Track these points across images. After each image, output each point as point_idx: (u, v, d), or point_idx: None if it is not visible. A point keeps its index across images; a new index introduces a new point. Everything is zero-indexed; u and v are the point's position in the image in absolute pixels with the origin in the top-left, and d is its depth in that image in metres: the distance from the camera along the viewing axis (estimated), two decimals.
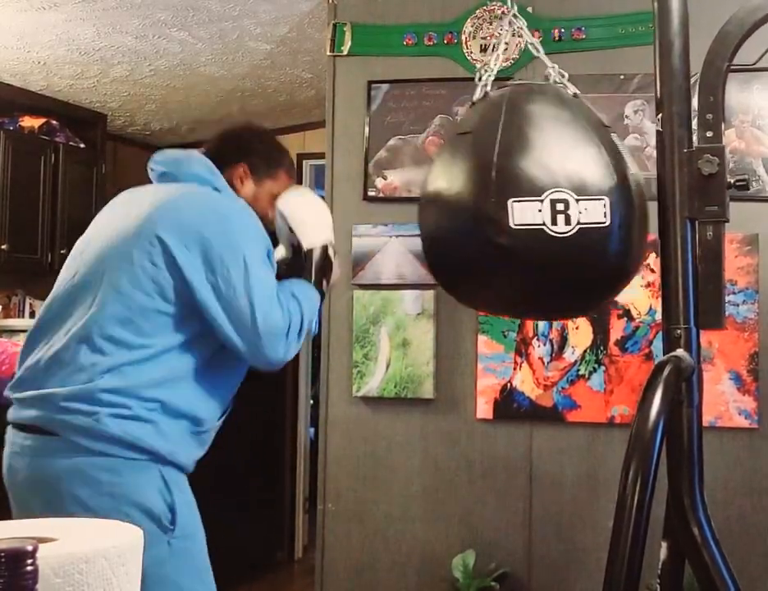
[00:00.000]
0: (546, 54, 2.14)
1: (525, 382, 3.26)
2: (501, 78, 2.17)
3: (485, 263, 1.84)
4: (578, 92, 2.02)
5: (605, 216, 1.77)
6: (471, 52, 3.37)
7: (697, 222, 1.84)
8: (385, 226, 3.41)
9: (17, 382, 2.04)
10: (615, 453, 2.94)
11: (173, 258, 1.95)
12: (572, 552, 3.22)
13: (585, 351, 3.22)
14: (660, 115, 1.87)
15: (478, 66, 2.43)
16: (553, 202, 1.74)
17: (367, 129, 3.46)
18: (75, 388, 1.90)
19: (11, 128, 4.72)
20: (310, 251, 2.15)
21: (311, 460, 5.30)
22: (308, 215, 2.19)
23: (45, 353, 1.99)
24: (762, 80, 3.09)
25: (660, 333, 1.90)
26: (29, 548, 0.71)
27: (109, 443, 1.90)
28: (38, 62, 4.43)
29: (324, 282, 2.17)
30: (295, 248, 2.18)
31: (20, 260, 4.69)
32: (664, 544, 1.87)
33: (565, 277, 1.85)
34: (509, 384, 3.27)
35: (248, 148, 2.25)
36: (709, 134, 1.85)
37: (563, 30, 3.30)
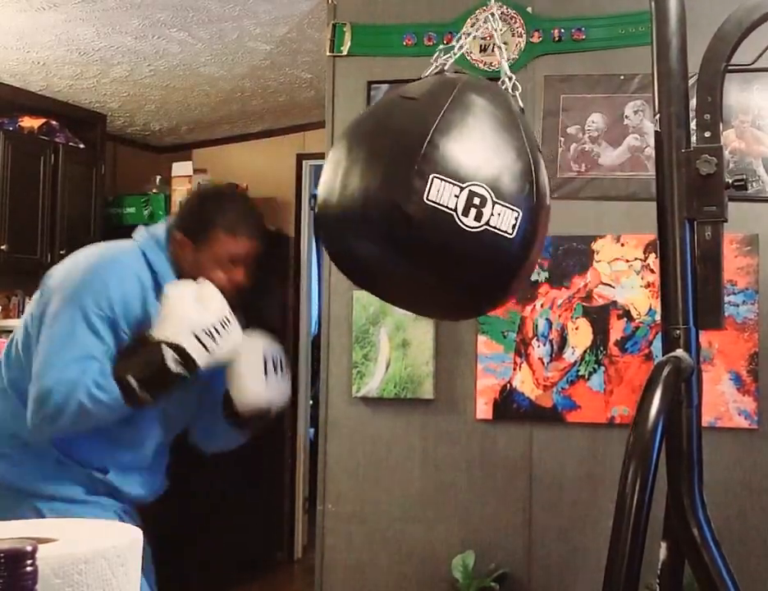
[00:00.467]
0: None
1: (525, 383, 3.26)
2: (500, 78, 2.16)
3: (385, 228, 1.77)
4: (524, 108, 2.01)
5: (513, 228, 1.75)
6: (471, 53, 3.37)
7: (695, 222, 1.84)
8: None
9: None
10: (615, 453, 2.94)
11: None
12: (572, 553, 3.22)
13: (585, 352, 3.22)
14: (658, 115, 1.87)
15: (480, 64, 2.41)
16: (472, 193, 1.71)
17: None
18: None
19: (11, 128, 4.72)
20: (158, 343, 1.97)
21: (311, 461, 5.30)
22: (179, 308, 2.00)
23: None
24: (762, 80, 3.09)
25: (660, 334, 1.90)
26: (29, 549, 0.71)
27: None
28: (38, 63, 4.43)
29: (136, 381, 1.95)
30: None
31: (20, 260, 4.68)
32: (663, 544, 1.87)
33: (453, 269, 1.81)
34: (508, 384, 3.27)
35: (183, 213, 2.22)
36: (707, 134, 1.85)
37: (563, 30, 3.29)
